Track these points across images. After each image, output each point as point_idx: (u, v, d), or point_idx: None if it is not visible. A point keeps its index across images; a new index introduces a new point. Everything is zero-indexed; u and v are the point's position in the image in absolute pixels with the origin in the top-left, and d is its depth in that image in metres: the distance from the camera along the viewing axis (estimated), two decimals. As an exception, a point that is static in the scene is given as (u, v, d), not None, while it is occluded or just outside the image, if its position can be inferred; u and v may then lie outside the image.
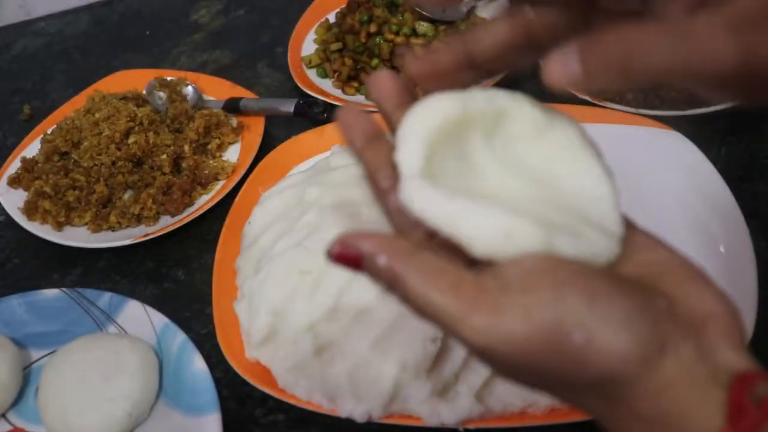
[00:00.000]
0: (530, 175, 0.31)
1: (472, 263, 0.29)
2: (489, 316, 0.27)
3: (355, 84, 0.82)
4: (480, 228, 0.28)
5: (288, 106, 0.78)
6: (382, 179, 0.32)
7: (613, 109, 0.69)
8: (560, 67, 0.27)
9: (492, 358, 0.28)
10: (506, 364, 0.28)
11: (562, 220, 0.29)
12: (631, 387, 0.27)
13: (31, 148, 0.80)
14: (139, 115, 0.77)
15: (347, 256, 0.29)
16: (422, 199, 0.29)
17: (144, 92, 0.84)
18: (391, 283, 0.29)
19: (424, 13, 0.83)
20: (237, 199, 0.68)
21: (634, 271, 0.30)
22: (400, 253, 0.28)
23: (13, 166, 0.78)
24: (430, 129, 0.30)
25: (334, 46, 0.84)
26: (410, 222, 0.30)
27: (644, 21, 0.27)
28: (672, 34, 0.26)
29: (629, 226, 0.31)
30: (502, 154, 0.32)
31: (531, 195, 0.30)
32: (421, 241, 0.30)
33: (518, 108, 0.32)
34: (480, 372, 0.49)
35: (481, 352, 0.28)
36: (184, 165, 0.75)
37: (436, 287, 0.28)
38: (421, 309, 0.28)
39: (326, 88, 0.83)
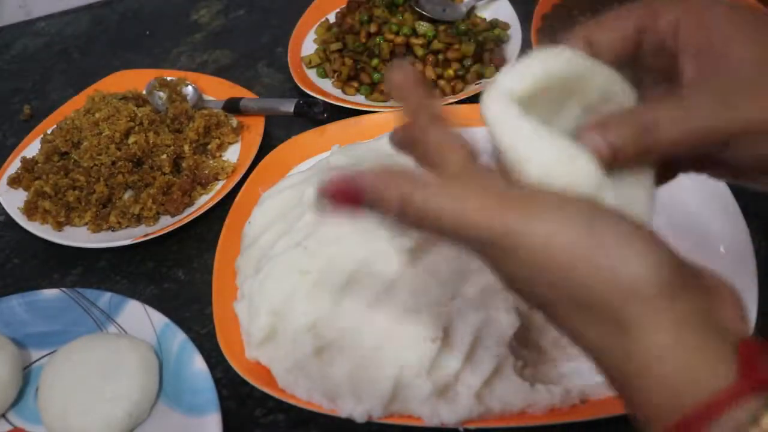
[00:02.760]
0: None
1: None
2: (520, 212, 0.28)
3: (355, 84, 0.82)
4: (541, 149, 0.29)
5: (288, 106, 0.78)
6: (422, 115, 0.32)
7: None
8: (591, 144, 0.30)
9: (506, 259, 0.28)
10: (530, 262, 0.28)
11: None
12: (642, 319, 0.27)
13: (31, 148, 0.80)
14: (139, 115, 0.77)
15: (344, 192, 0.29)
16: (499, 111, 0.30)
17: (144, 92, 0.84)
18: (400, 205, 0.29)
19: (424, 13, 0.83)
20: (237, 199, 0.68)
21: None
22: (404, 176, 0.29)
23: (13, 166, 0.78)
24: (543, 68, 0.31)
25: (334, 46, 0.84)
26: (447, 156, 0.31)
27: (655, 100, 0.32)
28: (672, 109, 0.30)
29: None
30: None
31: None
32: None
33: (625, 102, 0.33)
34: (480, 372, 0.49)
35: (501, 249, 0.28)
36: (184, 165, 0.75)
37: (449, 191, 0.28)
38: (436, 221, 0.28)
39: (326, 88, 0.83)
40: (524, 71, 0.31)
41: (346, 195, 0.29)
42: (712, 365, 0.26)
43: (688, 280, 0.28)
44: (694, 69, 0.33)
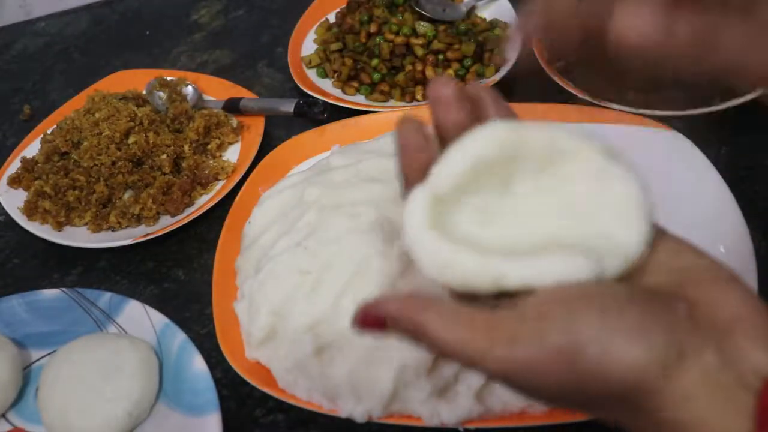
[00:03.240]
0: (566, 212, 0.31)
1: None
2: (507, 346, 0.28)
3: (355, 84, 0.82)
4: (430, 257, 0.31)
5: (288, 106, 0.78)
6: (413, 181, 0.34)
7: (613, 109, 0.69)
8: (642, 20, 0.28)
9: (514, 384, 0.29)
10: (528, 388, 0.29)
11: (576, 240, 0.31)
12: (653, 395, 0.27)
13: (31, 148, 0.80)
14: (139, 115, 0.77)
15: (371, 320, 0.31)
16: (410, 232, 0.31)
17: (144, 92, 0.84)
18: (415, 334, 0.30)
19: (424, 13, 0.83)
20: (237, 199, 0.68)
21: (660, 279, 0.30)
22: (419, 305, 0.30)
23: (13, 166, 0.78)
24: (472, 158, 0.31)
25: (334, 46, 0.84)
26: None
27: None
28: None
29: (658, 232, 0.31)
30: (545, 188, 0.32)
31: (551, 230, 0.31)
32: None
33: (580, 151, 0.32)
34: (480, 372, 0.49)
35: (504, 380, 0.29)
36: (184, 165, 0.75)
37: (454, 328, 0.29)
38: (445, 352, 0.30)
39: (326, 88, 0.83)
40: (449, 165, 0.31)
41: (371, 323, 0.32)
42: (728, 423, 0.26)
43: (685, 342, 0.27)
44: None
